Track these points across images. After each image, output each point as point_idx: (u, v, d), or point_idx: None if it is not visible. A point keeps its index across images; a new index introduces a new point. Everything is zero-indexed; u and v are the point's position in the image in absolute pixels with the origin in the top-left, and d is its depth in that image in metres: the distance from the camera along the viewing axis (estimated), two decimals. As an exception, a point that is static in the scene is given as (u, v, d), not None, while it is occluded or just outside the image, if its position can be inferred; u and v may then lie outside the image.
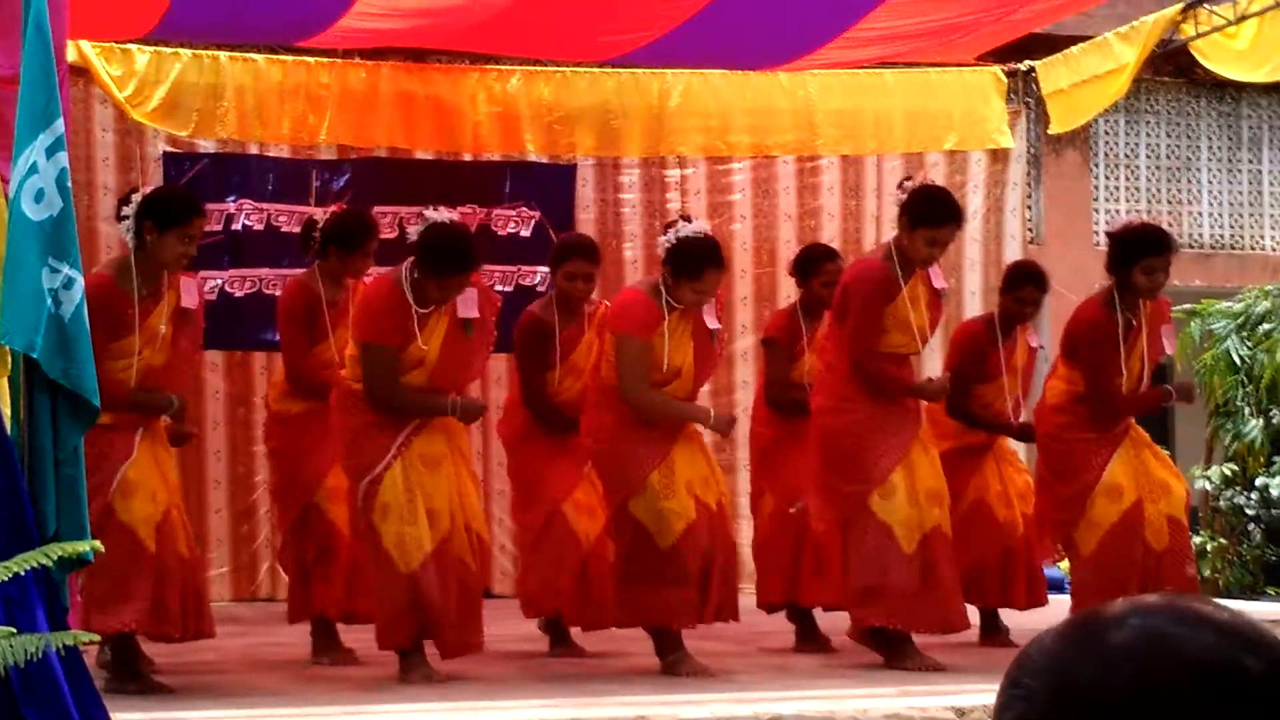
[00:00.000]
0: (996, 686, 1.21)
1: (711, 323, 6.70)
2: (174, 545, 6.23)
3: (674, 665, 6.51)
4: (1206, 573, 10.59)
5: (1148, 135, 12.39)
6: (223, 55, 9.47)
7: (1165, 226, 12.46)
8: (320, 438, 6.89)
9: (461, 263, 6.32)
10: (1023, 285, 7.71)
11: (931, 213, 6.73)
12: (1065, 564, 7.98)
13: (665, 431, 6.57)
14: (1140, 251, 7.00)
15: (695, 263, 6.56)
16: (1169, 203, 12.44)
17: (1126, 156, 12.36)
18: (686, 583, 6.48)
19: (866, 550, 6.69)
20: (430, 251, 6.29)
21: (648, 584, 6.51)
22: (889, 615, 6.68)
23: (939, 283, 6.94)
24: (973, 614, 7.77)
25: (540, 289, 9.42)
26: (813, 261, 7.77)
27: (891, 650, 6.69)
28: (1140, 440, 7.18)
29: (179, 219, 6.19)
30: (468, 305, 6.38)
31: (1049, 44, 10.34)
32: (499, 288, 9.71)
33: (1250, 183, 12.59)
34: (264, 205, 9.69)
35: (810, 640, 7.48)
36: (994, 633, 7.70)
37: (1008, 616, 7.73)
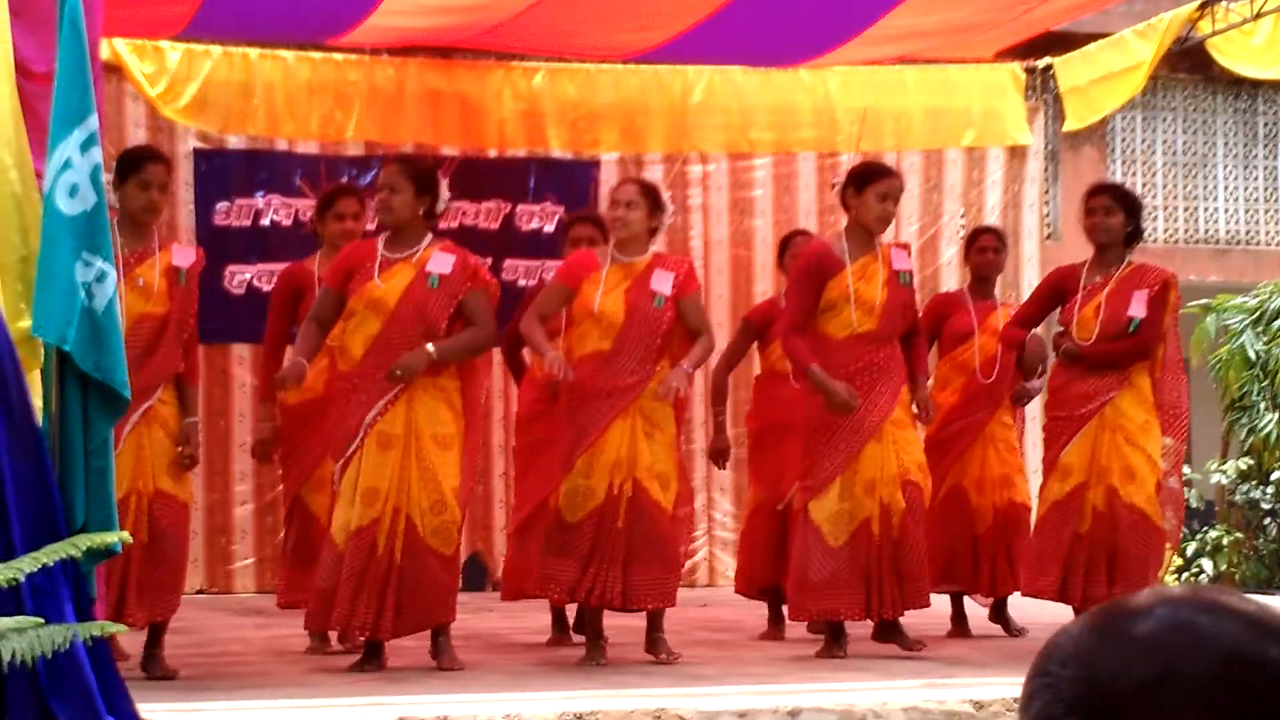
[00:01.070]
0: (1015, 679, 1.24)
1: (658, 285, 6.70)
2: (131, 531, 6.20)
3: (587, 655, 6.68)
4: (1223, 567, 10.61)
5: (1164, 132, 12.39)
6: (253, 53, 9.53)
7: (1181, 222, 12.52)
8: (314, 429, 6.98)
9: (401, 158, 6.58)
10: (979, 236, 8.05)
11: (872, 171, 7.00)
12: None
13: (601, 411, 6.59)
14: (1086, 195, 7.37)
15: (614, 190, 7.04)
16: (1185, 199, 12.45)
17: (1143, 153, 12.36)
18: (574, 559, 6.57)
19: (797, 548, 6.84)
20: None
21: (550, 557, 6.66)
22: (810, 610, 6.83)
23: (901, 264, 6.95)
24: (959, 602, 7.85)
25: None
26: (785, 243, 8.01)
27: (828, 639, 6.84)
28: (1110, 424, 7.07)
29: (133, 166, 6.31)
30: (439, 262, 6.46)
31: (1067, 41, 10.35)
32: (522, 282, 9.74)
33: (1266, 178, 12.59)
34: (292, 201, 9.75)
35: (778, 627, 7.70)
36: (1003, 622, 7.79)
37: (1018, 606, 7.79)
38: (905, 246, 7.42)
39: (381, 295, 6.38)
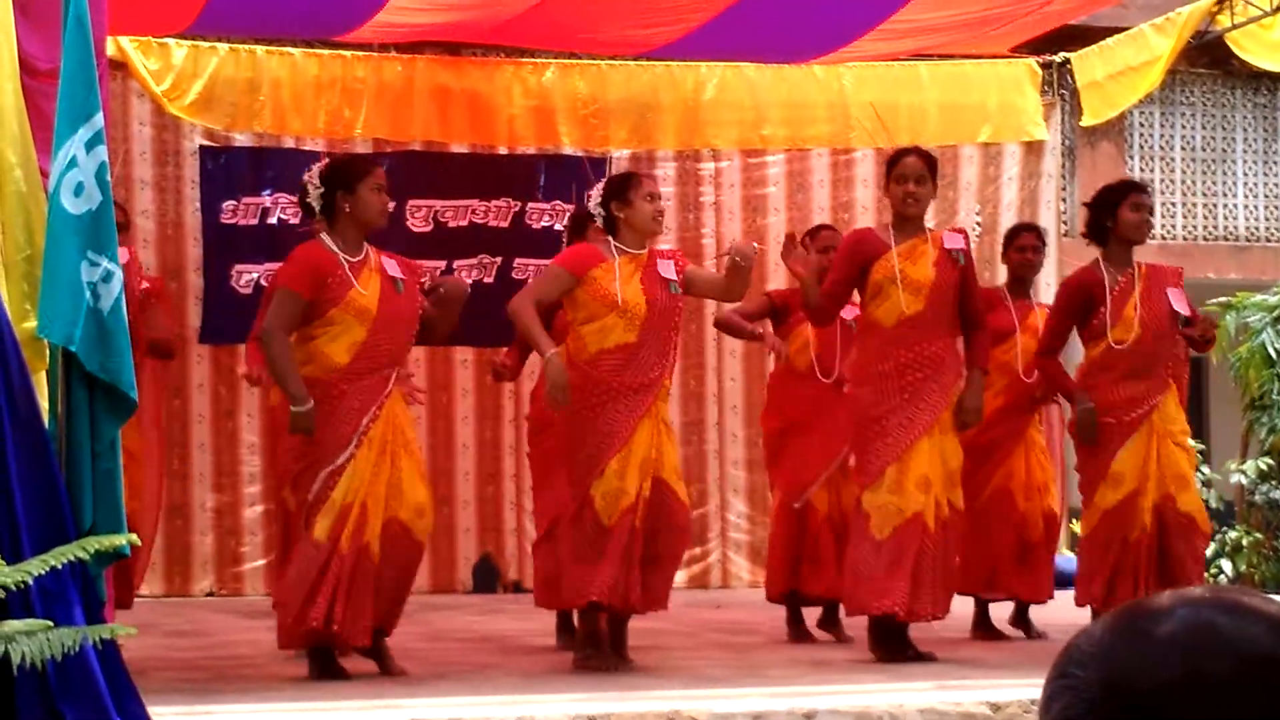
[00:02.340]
0: (1032, 681, 1.21)
1: (666, 273, 6.64)
2: None
3: (586, 660, 6.50)
4: (1242, 568, 10.53)
5: (1183, 127, 12.32)
6: (259, 49, 9.50)
7: (1200, 219, 12.45)
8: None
9: (366, 162, 6.53)
10: (1020, 234, 8.00)
11: (892, 157, 7.04)
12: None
13: (630, 408, 6.48)
14: (1123, 192, 7.25)
15: (628, 177, 6.84)
16: (1204, 195, 12.37)
17: (1161, 148, 12.29)
18: (613, 562, 6.44)
19: (853, 541, 6.80)
20: (338, 173, 6.40)
21: (591, 563, 6.48)
22: (864, 606, 6.74)
23: (952, 243, 6.89)
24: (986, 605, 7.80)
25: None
26: (811, 234, 7.91)
27: (874, 638, 6.76)
28: (1158, 430, 7.07)
29: None
30: (392, 267, 6.40)
31: (1084, 35, 10.30)
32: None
33: (1286, 174, 12.52)
34: (300, 199, 9.71)
35: (801, 634, 7.62)
36: (1024, 626, 7.73)
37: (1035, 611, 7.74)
38: (962, 231, 7.37)
39: (366, 304, 6.30)
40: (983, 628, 7.72)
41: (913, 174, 6.81)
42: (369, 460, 6.21)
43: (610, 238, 6.65)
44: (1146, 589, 6.89)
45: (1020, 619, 7.78)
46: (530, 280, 6.79)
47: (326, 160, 6.69)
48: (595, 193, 6.79)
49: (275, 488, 7.28)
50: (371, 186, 6.36)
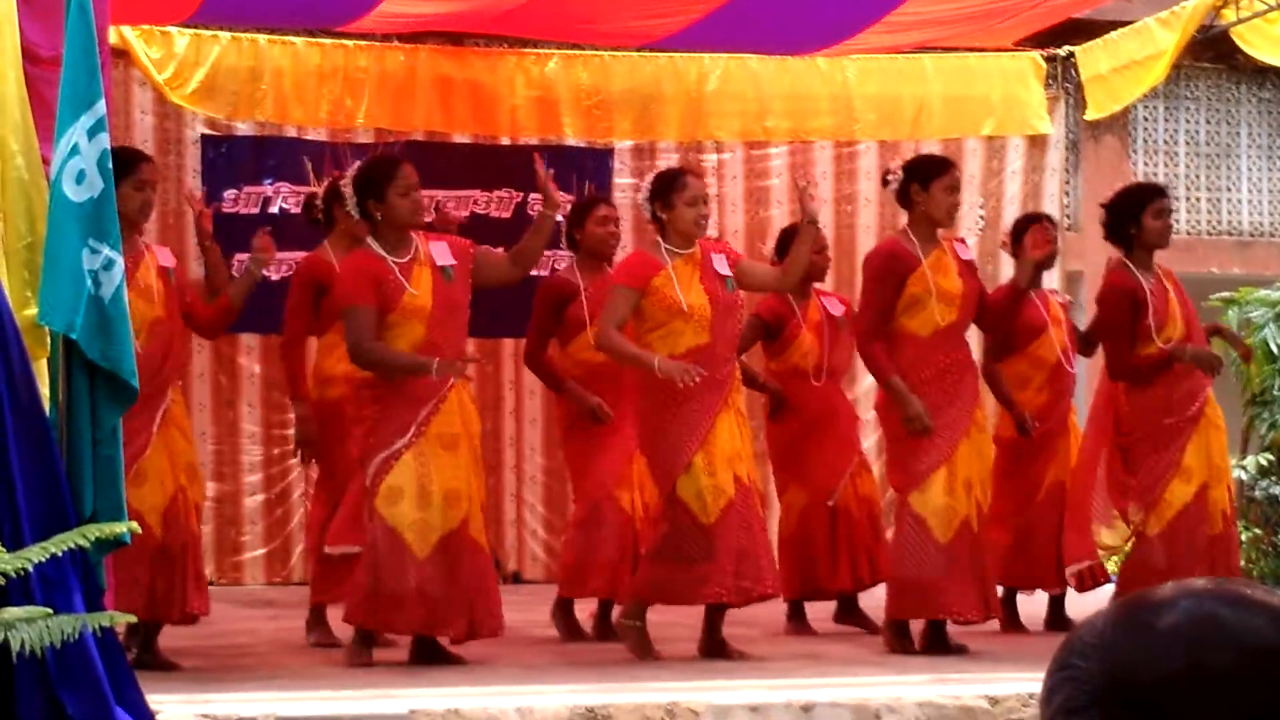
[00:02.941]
0: (1030, 674, 1.21)
1: (722, 269, 6.68)
2: (181, 527, 6.35)
3: (628, 631, 6.59)
4: (1241, 563, 10.54)
5: (1187, 121, 12.30)
6: (261, 38, 9.48)
7: (1204, 214, 12.44)
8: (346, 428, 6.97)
9: (392, 165, 6.51)
10: (1046, 225, 7.90)
11: (937, 164, 7.06)
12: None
13: (706, 406, 6.52)
14: (1144, 199, 7.35)
15: (673, 178, 6.85)
16: (1208, 189, 12.36)
17: (1166, 143, 12.27)
18: (725, 558, 6.48)
19: (903, 544, 6.80)
20: (366, 180, 6.43)
21: (686, 563, 6.50)
22: (920, 609, 6.76)
23: (966, 254, 7.05)
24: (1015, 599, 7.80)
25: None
26: (794, 233, 7.81)
27: (898, 637, 6.81)
28: (1213, 423, 7.23)
29: (128, 168, 6.22)
30: (441, 254, 6.44)
31: (1088, 29, 10.28)
32: (535, 272, 9.69)
33: (1291, 170, 12.51)
34: (301, 188, 9.69)
35: (800, 628, 7.66)
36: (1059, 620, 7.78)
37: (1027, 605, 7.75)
38: (962, 240, 7.47)
39: (421, 303, 6.37)
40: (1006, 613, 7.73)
41: (959, 187, 6.98)
42: (445, 455, 6.27)
43: (660, 239, 6.72)
44: None
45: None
46: (602, 310, 6.83)
47: (358, 165, 6.71)
48: (645, 185, 6.91)
49: (327, 478, 7.28)
50: (399, 191, 6.39)
